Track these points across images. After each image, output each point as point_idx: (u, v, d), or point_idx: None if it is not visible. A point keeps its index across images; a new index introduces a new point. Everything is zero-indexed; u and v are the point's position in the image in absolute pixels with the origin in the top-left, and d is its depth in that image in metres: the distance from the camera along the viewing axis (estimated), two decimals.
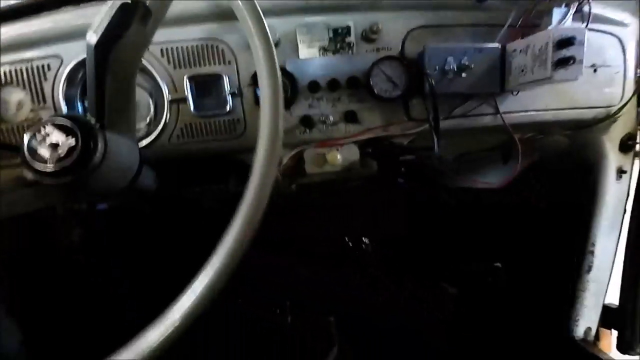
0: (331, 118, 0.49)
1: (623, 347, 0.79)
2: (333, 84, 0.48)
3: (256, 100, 0.47)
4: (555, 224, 0.84)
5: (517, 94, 0.53)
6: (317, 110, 0.49)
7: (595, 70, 0.56)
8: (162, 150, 0.47)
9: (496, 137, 0.66)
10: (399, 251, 1.16)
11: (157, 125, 0.46)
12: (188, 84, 0.46)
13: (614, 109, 0.58)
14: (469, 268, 1.10)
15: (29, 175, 0.30)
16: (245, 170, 0.30)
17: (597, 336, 0.83)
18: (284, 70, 0.47)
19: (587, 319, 0.79)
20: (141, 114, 0.47)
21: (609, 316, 0.82)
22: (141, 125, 0.47)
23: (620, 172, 0.71)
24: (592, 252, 0.76)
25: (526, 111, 0.55)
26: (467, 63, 0.47)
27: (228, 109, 0.47)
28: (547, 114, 0.56)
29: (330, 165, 0.51)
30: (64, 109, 0.45)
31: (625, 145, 0.70)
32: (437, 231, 1.15)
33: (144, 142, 0.46)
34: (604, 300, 0.80)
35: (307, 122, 0.48)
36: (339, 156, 0.49)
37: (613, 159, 0.70)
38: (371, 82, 0.47)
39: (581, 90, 0.56)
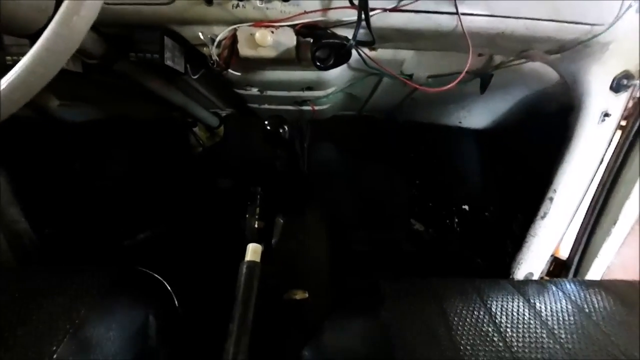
0: None
1: None
2: None
3: None
4: (529, 167, 0.80)
5: None
6: None
7: None
8: (102, 13, 0.48)
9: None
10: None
11: None
12: None
13: (602, 28, 0.50)
14: (437, 209, 1.10)
15: None
16: None
17: None
18: None
19: (529, 265, 0.79)
20: None
21: (555, 267, 0.82)
22: None
23: (605, 115, 0.64)
24: (551, 199, 0.73)
25: (492, 16, 0.49)
26: None
27: None
28: (517, 23, 0.50)
29: (264, 49, 0.50)
30: None
31: (619, 85, 0.62)
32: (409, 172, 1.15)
33: None
34: (554, 251, 0.79)
35: None
36: (269, 37, 0.48)
37: (599, 98, 0.62)
38: None
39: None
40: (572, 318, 0.36)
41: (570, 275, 0.79)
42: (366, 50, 0.62)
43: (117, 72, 0.58)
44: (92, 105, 0.83)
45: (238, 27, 0.49)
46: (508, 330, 0.35)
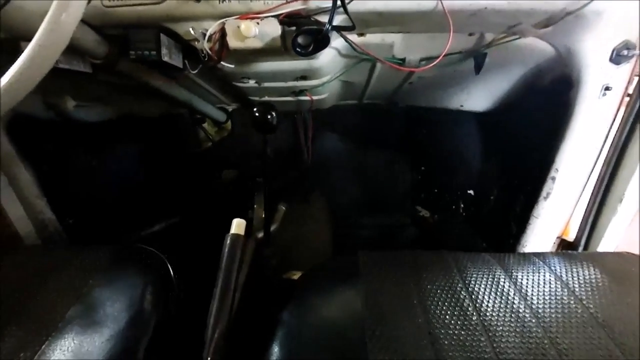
0: None
1: None
2: None
3: None
4: (531, 147, 0.78)
5: None
6: None
7: None
8: (98, 13, 0.52)
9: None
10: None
11: None
12: None
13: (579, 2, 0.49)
14: (442, 195, 1.10)
15: None
16: None
17: None
18: None
19: (533, 247, 0.79)
20: None
21: (563, 248, 0.81)
22: None
23: (606, 88, 0.62)
24: (554, 179, 0.71)
25: None
26: None
27: None
28: (500, 2, 0.49)
29: (250, 40, 0.52)
30: None
31: (619, 56, 0.60)
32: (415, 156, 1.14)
33: None
34: (562, 232, 0.77)
35: None
36: (253, 28, 0.50)
37: (598, 71, 0.61)
38: None
39: None
40: (548, 286, 0.36)
41: None
42: (354, 36, 0.64)
43: (121, 71, 0.62)
44: (105, 105, 0.90)
45: (226, 20, 0.52)
46: (480, 297, 0.36)
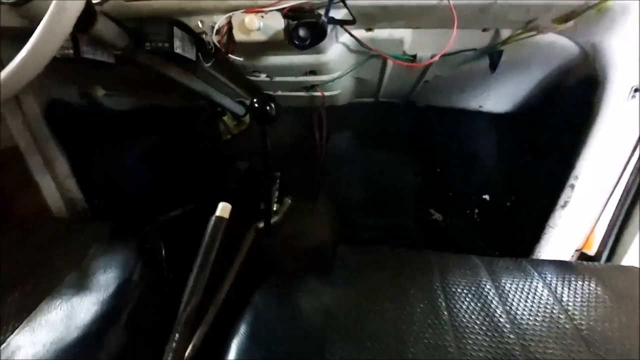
0: None
1: None
2: None
3: None
4: (552, 151, 0.73)
5: None
6: None
7: None
8: (119, 7, 0.56)
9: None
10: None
11: None
12: None
13: None
14: (457, 198, 1.05)
15: None
16: None
17: None
18: None
19: (548, 257, 0.74)
20: None
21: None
22: None
23: (636, 90, 0.57)
24: (573, 187, 0.66)
25: None
26: None
27: None
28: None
29: (255, 33, 0.54)
30: None
31: None
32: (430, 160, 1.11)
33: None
34: (582, 245, 0.72)
35: None
36: (256, 22, 0.51)
37: (627, 70, 0.56)
38: None
39: None
40: (533, 293, 0.34)
41: None
42: (362, 31, 0.64)
43: (140, 62, 0.67)
44: (131, 95, 0.96)
45: (232, 14, 0.54)
46: (456, 297, 0.34)
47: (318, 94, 0.89)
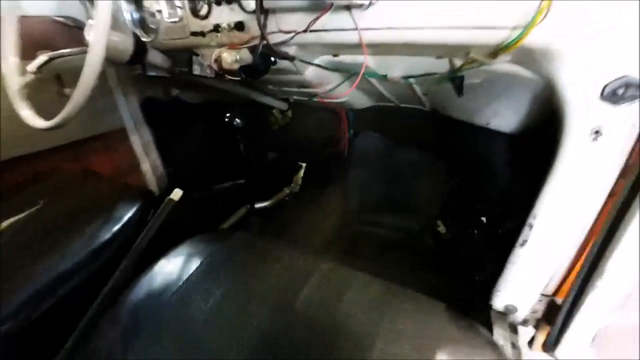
0: (226, 26, 0.67)
1: (545, 344, 0.68)
2: None
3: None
4: (522, 184, 0.67)
5: (376, 9, 0.50)
6: (224, 19, 0.68)
7: None
8: (162, 44, 0.82)
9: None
10: None
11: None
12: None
13: (516, 33, 0.43)
14: (463, 215, 1.01)
15: None
16: None
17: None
18: None
19: (509, 296, 0.70)
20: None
21: (551, 310, 0.68)
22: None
23: (596, 132, 0.49)
24: (531, 226, 0.61)
25: (391, 29, 0.51)
26: None
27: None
28: (420, 33, 0.49)
29: (234, 64, 0.71)
30: None
31: (613, 95, 0.46)
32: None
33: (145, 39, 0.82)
34: (540, 285, 0.66)
35: (217, 27, 0.69)
36: (230, 57, 0.68)
37: (585, 110, 0.49)
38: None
39: (476, 2, 0.44)
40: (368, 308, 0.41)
41: (558, 325, 0.63)
42: (329, 56, 0.72)
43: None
44: (197, 93, 1.27)
45: (220, 50, 0.72)
46: (297, 291, 0.45)
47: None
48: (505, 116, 0.81)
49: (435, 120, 1.11)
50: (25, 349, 0.62)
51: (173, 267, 0.55)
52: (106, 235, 0.62)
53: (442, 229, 1.08)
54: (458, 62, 0.60)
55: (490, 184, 0.91)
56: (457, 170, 1.06)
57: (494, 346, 0.48)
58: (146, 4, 0.79)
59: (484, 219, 0.91)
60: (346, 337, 0.39)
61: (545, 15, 0.41)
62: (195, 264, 0.54)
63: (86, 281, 0.57)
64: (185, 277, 0.51)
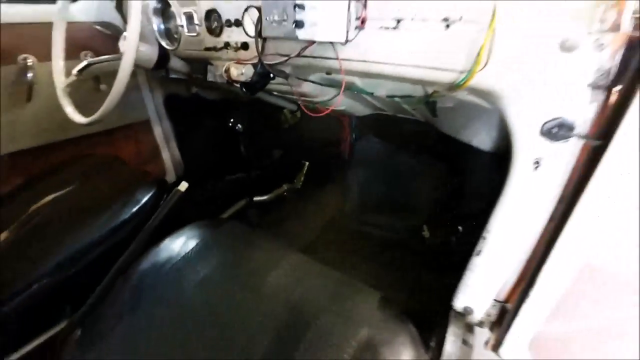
0: (234, 44, 0.77)
1: (494, 345, 0.76)
2: (236, 22, 0.74)
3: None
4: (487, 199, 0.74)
5: (353, 44, 0.58)
6: (232, 39, 0.78)
7: (447, 27, 0.50)
8: (182, 52, 0.94)
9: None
10: None
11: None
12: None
13: (462, 76, 0.50)
14: (443, 222, 1.08)
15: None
16: None
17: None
18: (216, 10, 0.78)
19: (467, 298, 0.78)
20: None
21: (502, 314, 0.75)
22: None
23: (535, 162, 0.56)
24: (484, 239, 0.69)
25: (365, 61, 0.59)
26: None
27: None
28: (385, 68, 0.57)
29: (240, 77, 0.82)
30: None
31: (549, 133, 0.52)
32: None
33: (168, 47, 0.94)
34: (492, 291, 0.73)
35: (227, 45, 0.80)
36: (236, 71, 0.79)
37: (528, 142, 0.56)
38: (243, 23, 0.70)
39: (431, 47, 0.52)
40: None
41: (504, 327, 0.71)
42: (323, 74, 0.81)
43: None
44: (213, 91, 1.40)
45: (229, 63, 0.83)
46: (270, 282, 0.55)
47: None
48: (484, 136, 0.88)
49: (431, 130, 1.18)
50: (59, 301, 0.77)
51: (175, 246, 0.67)
52: (125, 216, 0.76)
53: (426, 233, 1.16)
54: (430, 89, 0.68)
55: (470, 196, 0.97)
56: (452, 174, 1.13)
57: (412, 334, 0.58)
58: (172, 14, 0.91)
59: (460, 227, 0.98)
60: (297, 313, 0.50)
61: (486, 64, 0.49)
62: (192, 244, 0.66)
63: (107, 251, 0.71)
64: (182, 254, 0.64)
